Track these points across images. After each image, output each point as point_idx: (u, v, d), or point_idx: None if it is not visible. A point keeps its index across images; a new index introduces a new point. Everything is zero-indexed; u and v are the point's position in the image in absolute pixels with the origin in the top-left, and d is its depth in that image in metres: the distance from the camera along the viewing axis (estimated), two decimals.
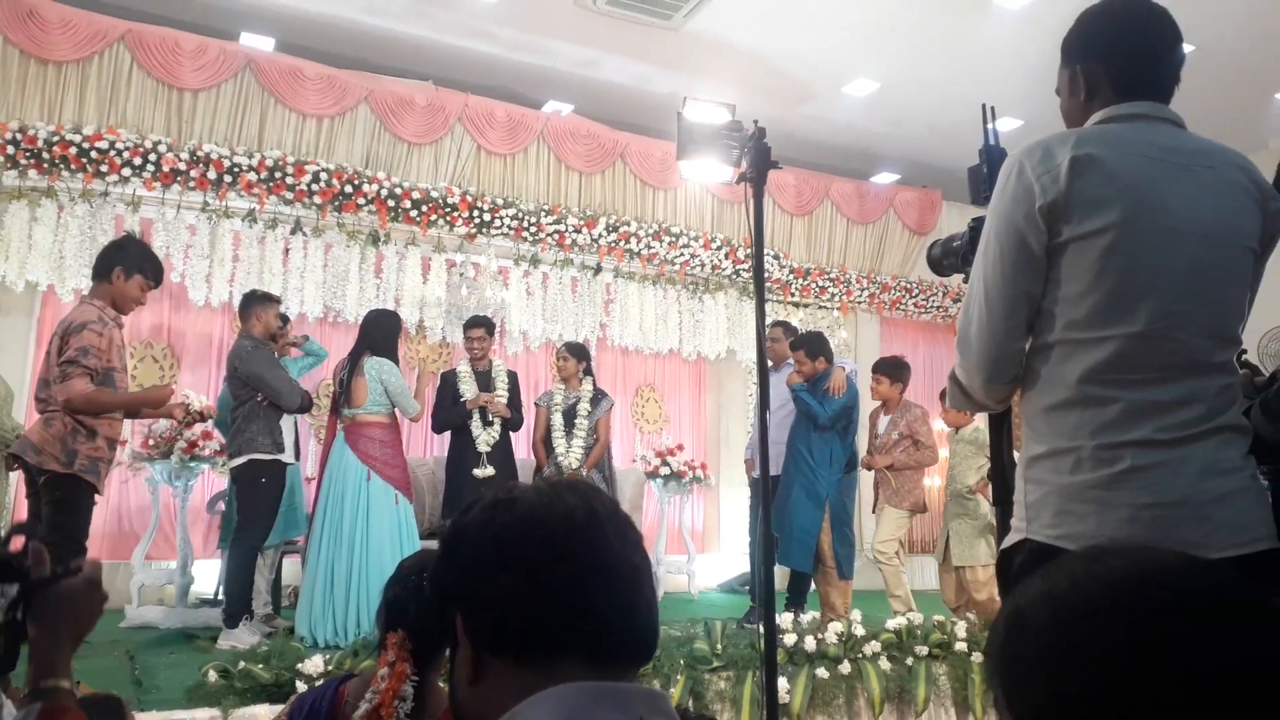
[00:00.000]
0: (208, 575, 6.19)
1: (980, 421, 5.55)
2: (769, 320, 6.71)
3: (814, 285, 9.10)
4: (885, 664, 4.43)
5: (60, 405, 3.66)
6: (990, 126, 2.00)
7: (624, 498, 7.00)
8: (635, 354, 8.67)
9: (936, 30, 7.04)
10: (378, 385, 5.16)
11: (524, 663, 0.88)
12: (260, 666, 3.72)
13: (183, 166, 6.45)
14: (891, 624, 4.69)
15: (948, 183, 9.45)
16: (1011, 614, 0.69)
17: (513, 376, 6.00)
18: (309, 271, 6.91)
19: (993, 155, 1.93)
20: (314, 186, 6.83)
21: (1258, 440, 1.60)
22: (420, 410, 5.56)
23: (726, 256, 8.51)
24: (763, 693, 2.55)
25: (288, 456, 5.19)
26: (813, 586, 5.75)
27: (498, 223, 7.50)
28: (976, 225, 1.83)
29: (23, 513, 4.79)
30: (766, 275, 8.59)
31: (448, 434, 5.94)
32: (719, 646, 4.27)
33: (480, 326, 5.92)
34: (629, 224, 8.07)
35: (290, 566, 6.07)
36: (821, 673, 4.27)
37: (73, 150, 6.16)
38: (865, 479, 6.08)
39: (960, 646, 4.64)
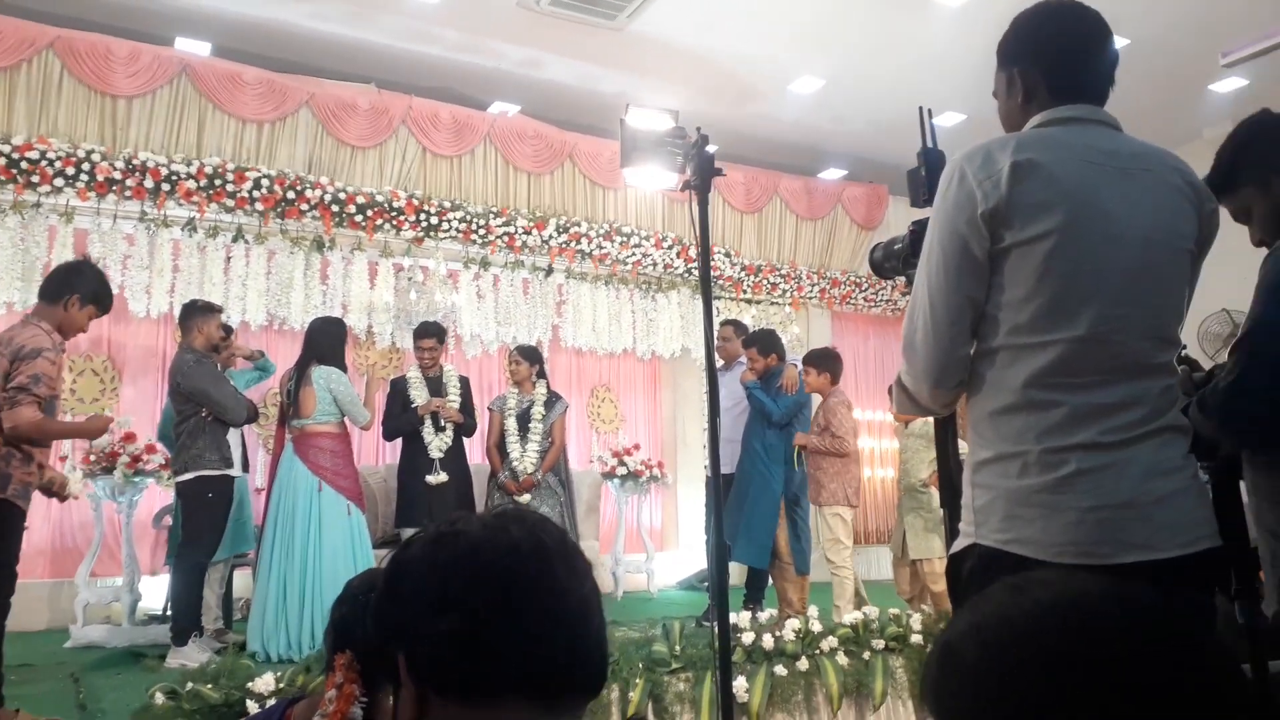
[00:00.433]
0: (155, 591, 6.06)
1: None
2: (720, 319, 6.77)
3: (765, 282, 9.15)
4: (843, 659, 4.44)
5: (4, 430, 3.57)
6: (928, 128, 2.00)
7: (581, 499, 6.97)
8: (589, 355, 8.63)
9: (878, 28, 7.10)
10: (326, 394, 5.09)
11: (469, 703, 0.86)
12: (209, 686, 3.62)
13: (118, 175, 6.30)
14: (848, 618, 4.71)
15: (893, 178, 9.55)
16: (942, 648, 0.70)
17: (464, 381, 5.95)
18: (251, 279, 6.76)
19: (931, 158, 1.94)
20: (255, 193, 6.69)
21: (1196, 438, 1.63)
22: (371, 418, 5.49)
23: (678, 255, 8.52)
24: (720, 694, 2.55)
25: (235, 470, 5.09)
26: (770, 582, 5.79)
27: (446, 226, 7.42)
28: (916, 228, 1.83)
29: None
30: (718, 273, 8.70)
31: (399, 441, 5.88)
32: (678, 648, 4.25)
33: (431, 336, 5.87)
34: (579, 225, 8.03)
35: (242, 579, 5.95)
36: (780, 670, 4.28)
37: (2, 161, 5.98)
38: None
39: (916, 639, 4.67)
